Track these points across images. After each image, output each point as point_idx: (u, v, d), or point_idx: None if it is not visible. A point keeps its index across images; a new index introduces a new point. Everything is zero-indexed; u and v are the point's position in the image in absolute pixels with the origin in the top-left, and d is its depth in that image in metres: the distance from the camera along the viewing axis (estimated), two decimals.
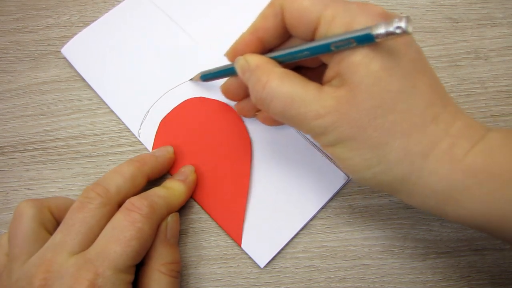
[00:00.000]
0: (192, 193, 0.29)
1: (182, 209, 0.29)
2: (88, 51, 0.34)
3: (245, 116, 0.30)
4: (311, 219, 0.28)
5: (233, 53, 0.25)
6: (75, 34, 0.34)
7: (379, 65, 0.19)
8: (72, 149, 0.31)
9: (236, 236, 0.28)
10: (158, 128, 0.31)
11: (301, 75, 0.22)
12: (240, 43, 0.24)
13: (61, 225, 0.23)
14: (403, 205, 0.29)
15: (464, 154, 0.19)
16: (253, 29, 0.24)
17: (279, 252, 0.28)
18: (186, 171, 0.28)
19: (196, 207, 0.29)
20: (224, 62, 0.27)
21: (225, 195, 0.29)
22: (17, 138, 0.32)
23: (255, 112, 0.29)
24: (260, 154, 0.30)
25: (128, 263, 0.22)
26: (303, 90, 0.21)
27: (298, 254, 0.28)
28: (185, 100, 0.32)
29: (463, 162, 0.19)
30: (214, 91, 0.32)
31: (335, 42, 0.19)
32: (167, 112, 0.31)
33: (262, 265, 0.27)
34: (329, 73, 0.21)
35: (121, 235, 0.22)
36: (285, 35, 0.23)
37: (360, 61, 0.19)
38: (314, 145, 0.30)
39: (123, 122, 0.32)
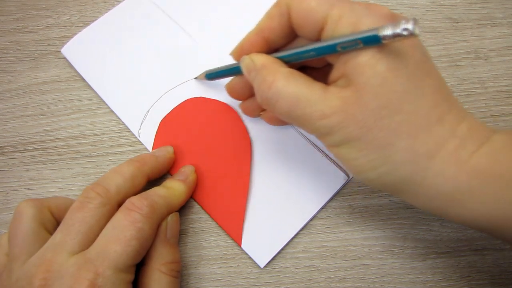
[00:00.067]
0: (192, 193, 0.29)
1: (182, 209, 0.29)
2: (88, 51, 0.34)
3: (249, 115, 0.30)
4: (311, 219, 0.28)
5: (238, 53, 0.25)
6: (75, 34, 0.34)
7: (385, 66, 0.19)
8: (72, 149, 0.31)
9: (236, 236, 0.28)
10: (158, 128, 0.31)
11: (307, 75, 0.22)
12: (245, 42, 0.24)
13: (61, 225, 0.23)
14: (403, 205, 0.29)
15: (469, 156, 0.19)
16: (259, 28, 0.24)
17: (279, 252, 0.28)
18: (186, 171, 0.28)
19: (196, 207, 0.29)
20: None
21: (225, 195, 0.29)
22: (17, 138, 0.32)
23: (260, 111, 0.29)
24: (260, 154, 0.30)
25: (128, 262, 0.22)
26: (309, 90, 0.21)
27: (298, 254, 0.28)
28: (185, 100, 0.32)
29: (468, 163, 0.19)
30: (214, 91, 0.32)
31: (342, 43, 0.19)
32: (167, 112, 0.31)
33: (262, 265, 0.27)
34: (334, 74, 0.21)
35: (121, 234, 0.22)
36: (291, 35, 0.23)
37: (366, 62, 0.19)
38: (314, 145, 0.30)
39: (123, 122, 0.32)
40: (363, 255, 0.28)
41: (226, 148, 0.30)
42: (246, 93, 0.28)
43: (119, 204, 0.24)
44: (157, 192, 0.26)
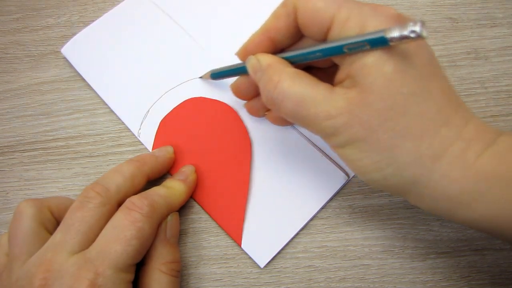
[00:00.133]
0: (192, 193, 0.29)
1: (182, 209, 0.29)
2: (88, 51, 0.34)
3: (254, 115, 0.30)
4: (311, 219, 0.28)
5: (244, 52, 0.25)
6: (75, 34, 0.34)
7: (392, 67, 0.19)
8: (72, 149, 0.31)
9: (236, 236, 0.28)
10: (158, 128, 0.31)
11: (312, 76, 0.22)
12: (251, 42, 0.24)
13: (61, 225, 0.23)
14: (403, 205, 0.29)
15: (476, 158, 0.19)
16: (265, 28, 0.23)
17: (279, 252, 0.28)
18: (186, 171, 0.28)
19: (196, 207, 0.29)
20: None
21: (225, 195, 0.29)
22: (17, 138, 0.32)
23: (265, 111, 0.29)
24: (260, 154, 0.30)
25: (128, 262, 0.22)
26: (314, 90, 0.21)
27: (298, 254, 0.28)
28: (185, 100, 0.32)
29: (474, 165, 0.19)
30: (214, 91, 0.32)
31: (348, 44, 0.19)
32: (167, 112, 0.31)
33: (262, 265, 0.27)
34: (340, 74, 0.21)
35: (122, 234, 0.22)
36: (297, 35, 0.23)
37: (373, 63, 0.19)
38: (314, 145, 0.30)
39: (123, 122, 0.32)
40: (363, 255, 0.28)
41: (226, 148, 0.30)
42: (251, 93, 0.28)
43: (119, 204, 0.24)
44: (157, 191, 0.26)
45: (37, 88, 0.34)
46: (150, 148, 0.31)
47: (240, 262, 0.28)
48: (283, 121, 0.29)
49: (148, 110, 0.32)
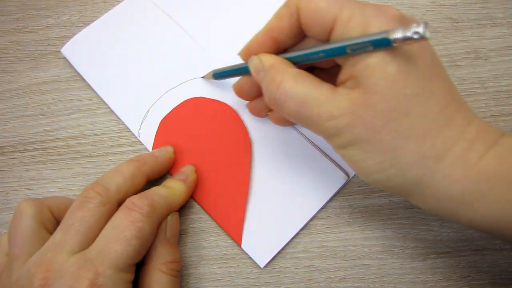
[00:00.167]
0: (192, 193, 0.29)
1: (182, 209, 0.29)
2: (88, 51, 0.34)
3: (257, 115, 0.30)
4: (311, 219, 0.28)
5: (247, 53, 0.25)
6: (75, 34, 0.34)
7: (395, 68, 0.19)
8: (72, 149, 0.31)
9: (236, 236, 0.28)
10: (158, 128, 0.31)
11: (315, 76, 0.22)
12: (254, 42, 0.24)
13: (61, 225, 0.23)
14: (403, 205, 0.29)
15: (478, 158, 0.19)
16: (268, 29, 0.23)
17: (279, 252, 0.28)
18: (186, 171, 0.28)
19: (196, 207, 0.29)
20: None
21: (225, 195, 0.29)
22: (17, 138, 0.32)
23: (267, 112, 0.29)
24: (260, 154, 0.30)
25: (128, 262, 0.22)
26: (317, 91, 0.21)
27: (298, 254, 0.28)
28: (185, 100, 0.32)
29: (477, 166, 0.19)
30: (215, 91, 0.32)
31: (351, 45, 0.19)
32: (167, 112, 0.31)
33: (262, 265, 0.27)
34: (343, 75, 0.21)
35: (122, 234, 0.22)
36: (299, 36, 0.23)
37: (376, 64, 0.19)
38: (314, 145, 0.30)
39: (123, 122, 0.32)
40: (363, 255, 0.28)
41: (226, 148, 0.30)
42: (254, 93, 0.28)
43: (119, 204, 0.24)
44: (157, 191, 0.26)
45: (37, 88, 0.34)
46: (150, 148, 0.31)
47: (240, 262, 0.28)
48: (286, 121, 0.29)
49: (148, 110, 0.32)
